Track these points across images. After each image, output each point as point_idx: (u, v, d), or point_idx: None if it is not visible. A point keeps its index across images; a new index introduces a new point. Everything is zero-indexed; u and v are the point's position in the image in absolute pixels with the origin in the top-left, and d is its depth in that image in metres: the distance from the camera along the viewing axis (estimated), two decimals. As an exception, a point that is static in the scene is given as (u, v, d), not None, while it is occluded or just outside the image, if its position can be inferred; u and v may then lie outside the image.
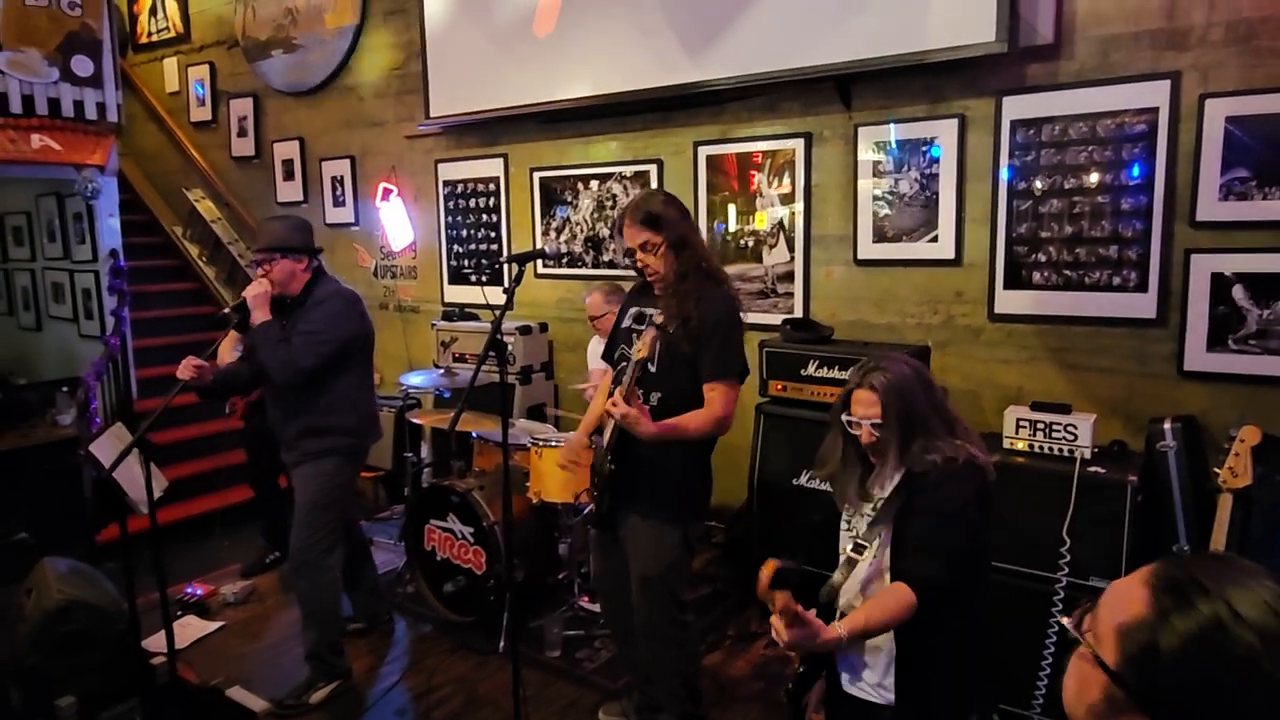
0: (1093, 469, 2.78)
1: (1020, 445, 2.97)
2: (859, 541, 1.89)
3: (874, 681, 1.88)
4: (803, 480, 3.53)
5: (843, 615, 1.95)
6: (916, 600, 1.70)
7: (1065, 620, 0.88)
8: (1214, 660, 0.76)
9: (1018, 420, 2.99)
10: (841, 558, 1.94)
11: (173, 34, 6.91)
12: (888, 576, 1.85)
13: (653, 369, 2.43)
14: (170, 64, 6.96)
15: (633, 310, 2.63)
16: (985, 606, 1.93)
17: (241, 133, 6.50)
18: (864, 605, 1.77)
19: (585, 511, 3.07)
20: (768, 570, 1.48)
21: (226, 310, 3.10)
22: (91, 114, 5.29)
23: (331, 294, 3.12)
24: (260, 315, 2.99)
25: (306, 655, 3.17)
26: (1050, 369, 3.41)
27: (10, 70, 4.92)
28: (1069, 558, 2.72)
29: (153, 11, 7.03)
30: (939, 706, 1.87)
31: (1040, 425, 2.93)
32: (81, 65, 5.20)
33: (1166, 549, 2.83)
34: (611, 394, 2.38)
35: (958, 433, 1.90)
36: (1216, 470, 2.51)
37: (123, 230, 5.65)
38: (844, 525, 2.06)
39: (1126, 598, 0.83)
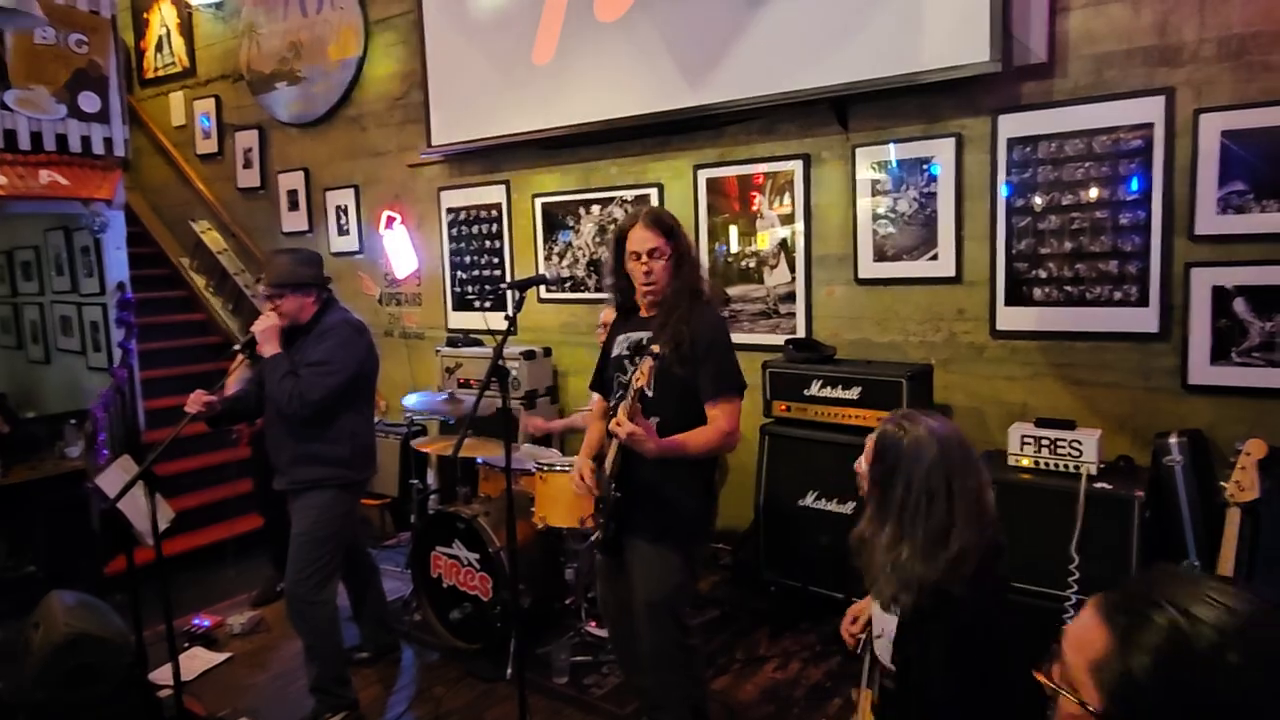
0: (1099, 485, 2.77)
1: (1025, 462, 2.96)
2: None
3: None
4: (809, 501, 3.52)
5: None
6: None
7: (1040, 677, 0.88)
8: (1184, 664, 0.77)
9: (1022, 437, 2.98)
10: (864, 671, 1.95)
11: (179, 69, 7.01)
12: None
13: (650, 394, 2.43)
14: (176, 98, 7.06)
15: (622, 338, 2.62)
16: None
17: (247, 164, 6.58)
18: None
19: (591, 538, 3.06)
20: None
21: (236, 347, 3.11)
22: (99, 149, 5.36)
23: (339, 323, 3.10)
24: (269, 349, 3.00)
25: (311, 687, 3.16)
26: (1054, 385, 3.40)
27: (19, 108, 5.00)
28: (1078, 575, 2.70)
29: (159, 47, 7.15)
30: None
31: (1045, 442, 2.93)
32: (89, 101, 5.28)
33: (1176, 564, 2.81)
34: (612, 416, 2.38)
35: (952, 538, 1.64)
36: (1224, 484, 2.50)
37: (130, 262, 5.70)
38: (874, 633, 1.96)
39: (1085, 635, 0.83)
